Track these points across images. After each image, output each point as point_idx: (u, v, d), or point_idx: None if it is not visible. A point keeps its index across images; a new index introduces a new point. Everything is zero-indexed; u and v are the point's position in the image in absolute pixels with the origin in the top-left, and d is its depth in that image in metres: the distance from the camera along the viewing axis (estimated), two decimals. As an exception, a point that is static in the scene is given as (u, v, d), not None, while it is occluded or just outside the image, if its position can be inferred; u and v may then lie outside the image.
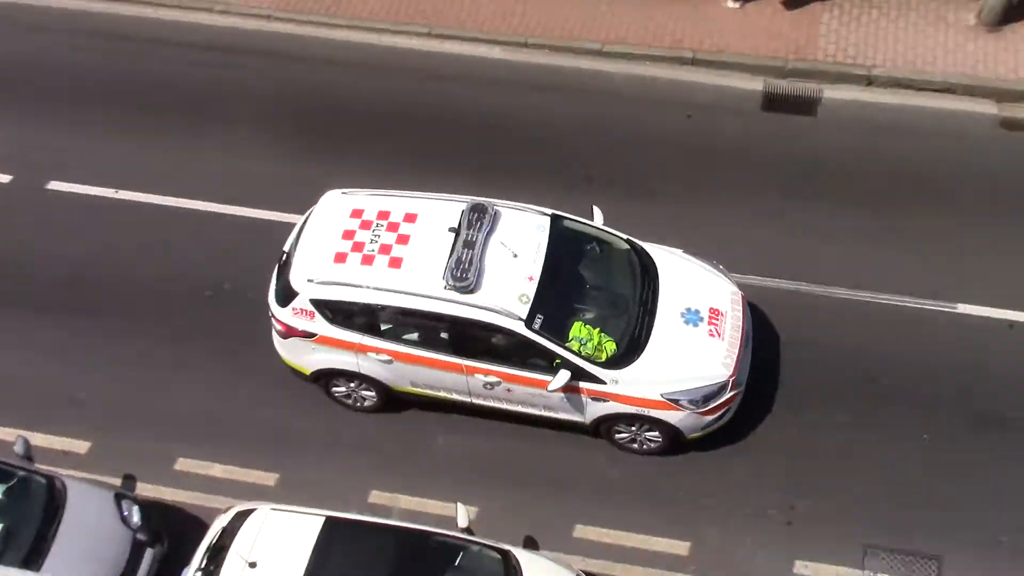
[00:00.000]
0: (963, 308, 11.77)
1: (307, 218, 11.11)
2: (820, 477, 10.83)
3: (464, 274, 10.04)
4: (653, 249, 11.10)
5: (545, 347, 10.07)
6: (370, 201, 10.93)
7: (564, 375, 10.09)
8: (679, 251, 11.25)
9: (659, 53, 14.49)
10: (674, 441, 10.71)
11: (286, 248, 11.16)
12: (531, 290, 10.12)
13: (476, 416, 11.23)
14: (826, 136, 13.58)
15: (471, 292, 10.04)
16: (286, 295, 10.69)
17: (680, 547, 10.56)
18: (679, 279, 10.85)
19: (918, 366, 11.40)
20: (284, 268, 10.88)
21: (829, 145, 13.44)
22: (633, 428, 10.67)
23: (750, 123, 13.77)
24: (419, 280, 10.21)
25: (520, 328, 10.02)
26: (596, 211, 11.27)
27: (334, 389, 11.37)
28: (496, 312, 10.02)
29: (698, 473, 10.95)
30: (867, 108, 13.80)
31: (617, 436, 10.86)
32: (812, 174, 13.13)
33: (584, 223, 11.10)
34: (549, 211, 10.85)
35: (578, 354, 10.13)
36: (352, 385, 11.22)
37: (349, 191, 11.15)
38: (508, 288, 10.13)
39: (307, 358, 11.01)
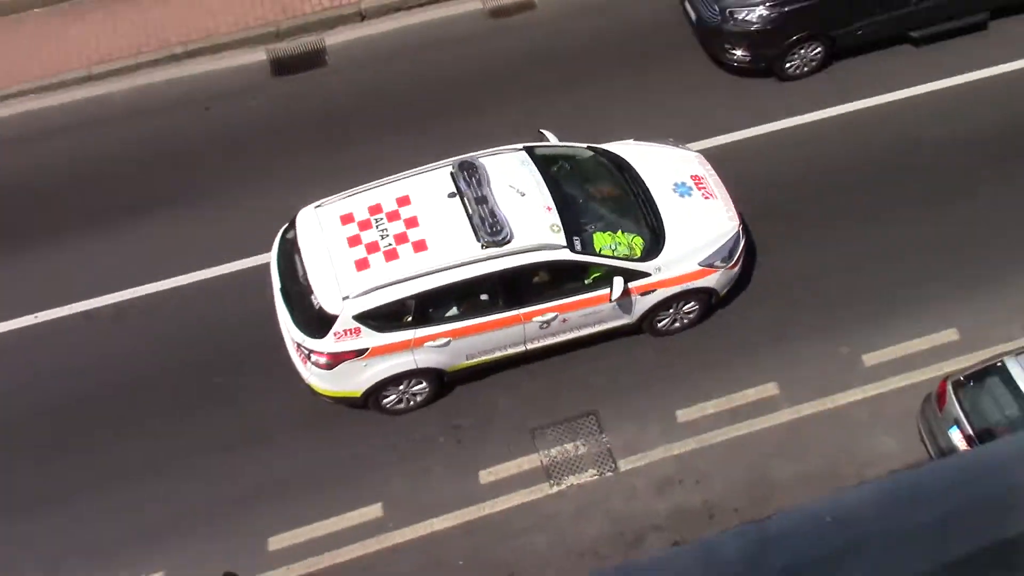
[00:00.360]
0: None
1: (290, 245, 10.31)
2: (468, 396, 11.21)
3: (497, 227, 9.87)
4: (613, 147, 11.47)
5: (593, 264, 10.23)
6: (351, 202, 10.29)
7: (620, 282, 10.26)
8: (631, 140, 11.71)
9: (150, 58, 13.95)
10: (708, 308, 11.25)
11: (277, 285, 10.30)
12: (555, 218, 10.18)
13: (509, 369, 11.08)
14: (344, 78, 13.83)
15: (508, 242, 9.87)
16: (321, 324, 9.83)
17: (374, 511, 10.54)
18: (651, 163, 11.30)
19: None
20: (300, 301, 10.02)
21: (348, 87, 13.70)
22: (671, 310, 11.03)
23: (267, 92, 13.70)
24: (454, 252, 9.86)
25: (567, 255, 10.06)
26: (548, 134, 11.36)
27: (384, 400, 10.70)
28: (541, 250, 9.98)
29: (370, 424, 10.94)
30: (372, 41, 14.20)
31: (659, 324, 11.17)
32: (342, 118, 13.33)
33: (550, 145, 11.19)
34: (518, 145, 10.92)
35: (621, 259, 10.35)
36: (403, 387, 10.61)
37: (320, 203, 10.38)
38: (537, 224, 10.09)
39: (358, 379, 10.24)
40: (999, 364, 9.94)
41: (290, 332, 10.20)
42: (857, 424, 10.96)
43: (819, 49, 13.33)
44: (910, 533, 2.49)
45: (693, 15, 13.60)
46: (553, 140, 11.34)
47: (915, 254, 11.96)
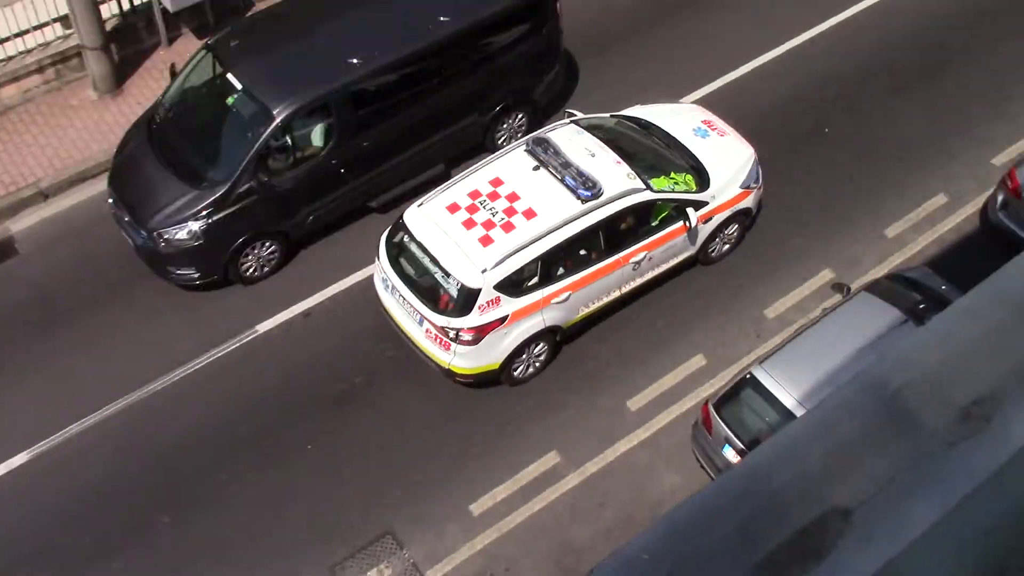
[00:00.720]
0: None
1: (404, 245, 11.31)
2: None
3: (589, 183, 11.28)
4: (631, 111, 13.04)
5: (670, 200, 11.74)
6: (450, 194, 11.35)
7: (692, 212, 11.81)
8: (638, 106, 13.23)
9: None
10: (744, 229, 12.83)
11: (400, 286, 11.17)
12: (628, 168, 11.68)
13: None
14: (44, 260, 13.02)
15: (601, 194, 11.23)
16: (465, 302, 10.76)
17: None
18: (666, 118, 12.96)
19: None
20: (436, 290, 10.97)
21: (49, 269, 12.89)
22: (718, 237, 12.47)
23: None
24: (559, 212, 11.10)
25: (649, 196, 11.55)
26: (574, 111, 12.68)
27: (515, 367, 11.55)
28: (627, 195, 11.39)
29: None
30: (63, 217, 13.48)
31: (712, 252, 12.57)
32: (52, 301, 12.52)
33: (587, 116, 12.59)
34: (564, 120, 12.41)
35: (684, 194, 11.84)
36: (527, 354, 11.51)
37: (420, 201, 11.43)
38: (616, 176, 11.55)
39: (500, 347, 11.16)
40: (748, 376, 10.61)
41: (429, 321, 10.98)
42: (640, 468, 11.32)
43: (273, 246, 12.36)
44: (717, 547, 2.57)
45: (130, 241, 12.37)
46: (580, 115, 12.65)
47: (642, 306, 12.65)
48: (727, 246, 12.78)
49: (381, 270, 11.50)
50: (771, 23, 15.60)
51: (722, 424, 10.53)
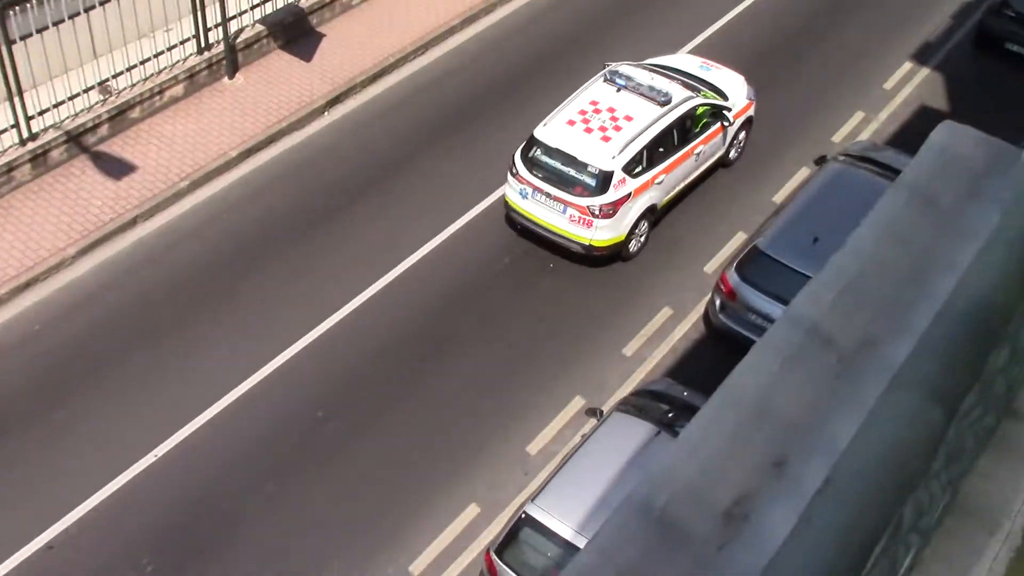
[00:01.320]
0: None
1: (538, 155, 14.40)
2: None
3: (663, 94, 14.99)
4: (649, 61, 16.40)
5: (714, 104, 15.65)
6: (565, 115, 14.68)
7: (728, 113, 15.70)
8: (651, 59, 16.63)
9: None
10: (747, 135, 16.71)
11: (542, 185, 14.23)
12: (680, 83, 15.55)
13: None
14: None
15: (671, 101, 14.90)
16: (603, 184, 14.04)
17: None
18: (676, 62, 16.73)
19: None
20: (575, 180, 14.17)
21: None
22: (734, 143, 16.35)
23: None
24: (649, 115, 14.65)
25: (702, 100, 15.43)
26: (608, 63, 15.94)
27: (632, 241, 14.76)
28: (687, 101, 15.19)
29: None
30: None
31: (731, 155, 16.44)
32: None
33: (631, 63, 16.02)
34: (604, 70, 15.57)
35: (718, 100, 15.87)
36: (639, 229, 14.82)
37: (544, 123, 14.63)
38: (675, 89, 15.25)
39: (626, 220, 14.37)
40: (523, 515, 10.70)
41: (574, 206, 14.14)
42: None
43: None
44: None
45: None
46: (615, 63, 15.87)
47: (405, 466, 12.59)
48: (739, 152, 16.48)
49: (519, 181, 14.54)
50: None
51: (507, 569, 10.50)
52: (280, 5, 17.81)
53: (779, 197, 16.01)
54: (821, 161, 15.40)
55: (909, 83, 18.51)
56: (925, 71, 18.79)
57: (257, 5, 17.59)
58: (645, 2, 19.85)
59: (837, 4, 20.18)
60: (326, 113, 16.98)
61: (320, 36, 18.15)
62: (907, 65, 18.90)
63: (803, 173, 16.37)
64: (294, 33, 17.94)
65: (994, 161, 3.66)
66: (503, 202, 14.97)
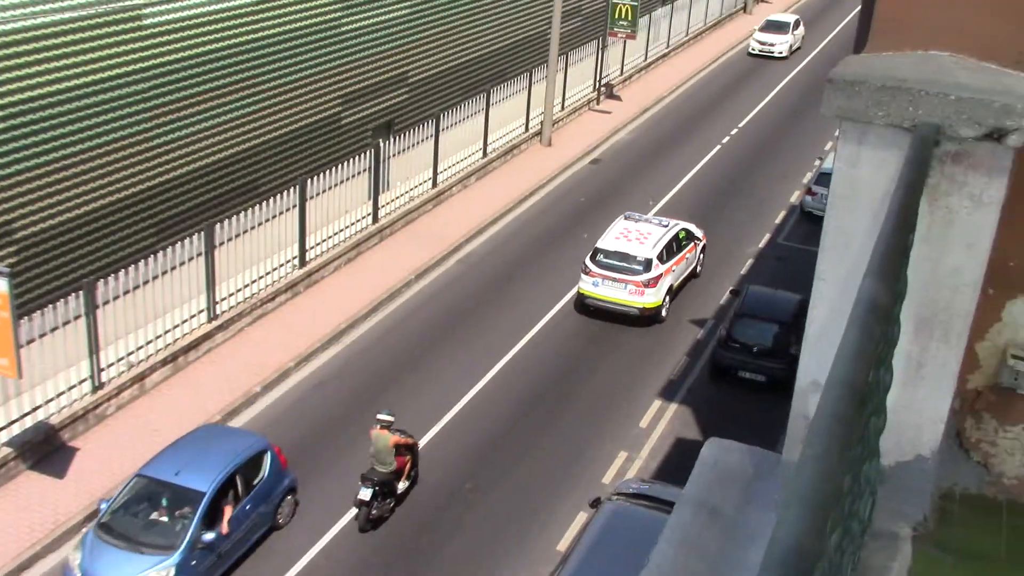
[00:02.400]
0: None
1: (605, 255, 23.12)
2: None
3: (665, 222, 24.41)
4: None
5: (690, 232, 24.96)
6: (612, 236, 23.58)
7: (697, 236, 25.25)
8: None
9: None
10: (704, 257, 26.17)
11: (611, 275, 22.73)
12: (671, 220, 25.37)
13: None
14: None
15: (669, 226, 24.28)
16: (647, 266, 22.61)
17: None
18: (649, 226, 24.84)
19: None
20: (628, 267, 22.63)
21: None
22: (697, 260, 25.27)
23: None
24: (659, 232, 23.71)
25: (685, 225, 25.03)
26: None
27: (664, 309, 23.37)
28: (677, 226, 24.61)
29: None
30: None
31: (698, 269, 25.59)
32: None
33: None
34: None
35: (691, 232, 25.21)
36: (667, 299, 23.77)
37: (603, 237, 23.87)
38: (670, 223, 24.77)
39: (661, 290, 22.99)
40: None
41: (632, 283, 22.43)
42: None
43: None
44: None
45: None
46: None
47: None
48: (700, 268, 25.18)
49: (591, 275, 22.72)
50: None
51: None
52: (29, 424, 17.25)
53: (563, 544, 16.26)
54: (596, 503, 15.91)
55: (662, 419, 19.85)
56: (674, 406, 20.27)
57: (3, 427, 16.94)
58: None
59: (579, 361, 21.80)
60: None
61: (73, 450, 17.56)
62: (657, 402, 20.35)
63: (581, 518, 16.80)
64: (45, 450, 17.29)
65: (759, 467, 4.06)
66: (578, 295, 23.30)
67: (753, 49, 45.95)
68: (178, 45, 22.89)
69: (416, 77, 31.86)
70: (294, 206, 22.68)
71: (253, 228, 21.59)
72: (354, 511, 16.54)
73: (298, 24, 26.44)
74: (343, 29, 28.19)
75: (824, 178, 28.59)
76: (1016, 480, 4.14)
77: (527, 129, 32.96)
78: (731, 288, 24.16)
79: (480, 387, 20.43)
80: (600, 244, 23.21)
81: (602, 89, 37.99)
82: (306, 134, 27.40)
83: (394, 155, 26.67)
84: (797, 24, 47.19)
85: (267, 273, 22.21)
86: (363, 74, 29.25)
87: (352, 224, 24.91)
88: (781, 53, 45.44)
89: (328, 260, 23.85)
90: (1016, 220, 3.66)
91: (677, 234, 23.77)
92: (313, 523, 16.63)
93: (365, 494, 15.99)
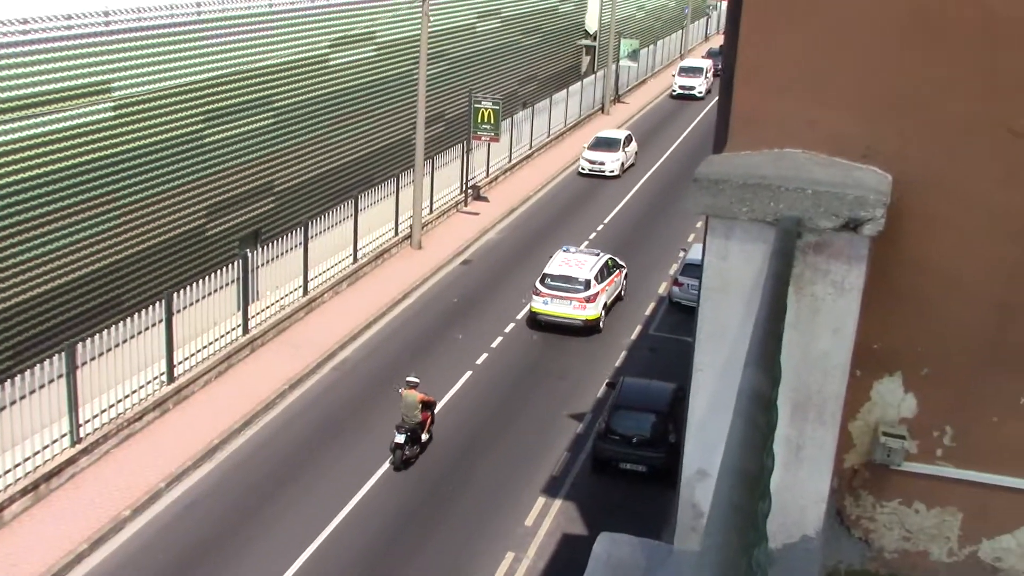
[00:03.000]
0: None
1: (551, 278, 27.81)
2: None
3: (594, 251, 30.03)
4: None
5: (616, 262, 30.51)
6: (556, 262, 28.64)
7: (622, 265, 31.40)
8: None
9: None
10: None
11: (550, 295, 27.50)
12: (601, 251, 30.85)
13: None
14: None
15: (600, 255, 29.49)
16: (588, 285, 27.53)
17: None
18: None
19: None
20: (572, 287, 27.43)
21: None
22: (622, 286, 30.78)
23: None
24: (592, 259, 28.89)
25: (610, 256, 30.56)
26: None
27: (601, 322, 27.95)
28: (605, 256, 29.74)
29: None
30: None
31: (623, 294, 30.97)
32: None
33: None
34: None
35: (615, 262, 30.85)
36: (602, 317, 28.82)
37: (546, 269, 28.38)
38: (601, 254, 30.15)
39: (600, 305, 27.72)
40: None
41: (576, 299, 27.05)
42: None
43: None
44: None
45: None
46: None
47: None
48: (624, 293, 30.04)
49: (540, 295, 27.30)
50: None
51: None
52: None
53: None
54: None
55: (547, 516, 19.78)
56: (558, 501, 20.24)
57: None
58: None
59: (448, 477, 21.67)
60: None
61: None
62: (541, 499, 20.29)
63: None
64: None
65: (651, 559, 4.11)
66: (530, 313, 27.95)
67: (583, 169, 42.93)
68: (34, 162, 22.37)
69: (283, 185, 31.80)
70: (160, 321, 22.11)
71: (118, 345, 20.93)
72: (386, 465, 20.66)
73: (159, 137, 26.18)
74: (206, 141, 28.04)
75: (689, 269, 29.50)
76: (897, 554, 4.29)
77: (397, 233, 33.12)
78: (607, 380, 24.48)
79: (362, 494, 20.05)
80: (547, 270, 28.16)
81: (469, 191, 38.58)
82: (171, 247, 26.92)
83: (263, 264, 26.37)
84: (629, 140, 44.80)
85: (133, 391, 21.49)
86: (228, 184, 29.07)
87: (222, 336, 24.40)
88: (612, 172, 42.56)
89: (198, 375, 23.24)
90: (876, 304, 3.88)
91: (607, 262, 29.02)
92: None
93: (399, 439, 20.64)
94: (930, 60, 3.74)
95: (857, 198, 3.60)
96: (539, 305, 27.35)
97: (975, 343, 3.92)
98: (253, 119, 29.83)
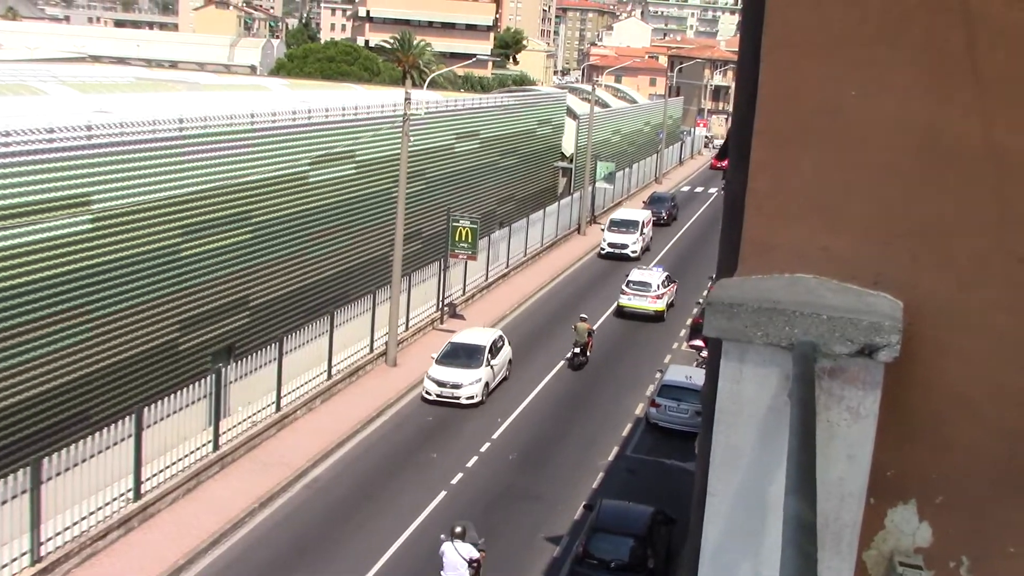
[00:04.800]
0: None
1: (634, 278, 41.88)
2: None
3: (659, 268, 45.46)
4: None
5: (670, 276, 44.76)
6: (633, 276, 42.89)
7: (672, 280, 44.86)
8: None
9: None
10: None
11: (633, 290, 41.29)
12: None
13: None
14: None
15: (662, 268, 46.65)
16: (657, 287, 41.03)
17: None
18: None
19: None
20: (648, 289, 40.99)
21: None
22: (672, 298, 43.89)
23: None
24: (657, 275, 42.85)
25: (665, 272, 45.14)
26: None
27: (665, 313, 41.67)
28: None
29: None
30: None
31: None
32: None
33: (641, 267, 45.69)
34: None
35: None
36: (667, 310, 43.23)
37: (628, 275, 43.07)
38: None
39: (665, 302, 41.76)
40: None
41: (649, 296, 40.96)
42: None
43: None
44: None
45: None
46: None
47: None
48: (673, 300, 42.36)
49: (626, 294, 40.83)
50: None
51: None
52: None
53: None
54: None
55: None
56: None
57: None
58: None
59: None
60: None
61: None
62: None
63: None
64: None
65: None
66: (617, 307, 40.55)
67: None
68: (5, 273, 22.29)
69: (258, 300, 31.77)
70: (129, 436, 21.74)
71: (84, 460, 20.51)
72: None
73: (136, 250, 26.21)
74: (182, 254, 28.08)
75: (666, 390, 29.52)
76: None
77: (372, 350, 33.01)
78: (584, 503, 24.17)
79: (331, 622, 19.48)
80: (630, 277, 41.65)
81: (445, 308, 38.68)
82: (143, 361, 26.68)
83: (235, 380, 26.14)
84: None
85: (98, 508, 20.98)
86: (202, 298, 29.01)
87: (191, 452, 23.99)
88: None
89: (165, 491, 22.76)
90: (888, 430, 3.88)
91: (668, 275, 42.44)
92: None
93: (577, 350, 34.09)
94: (942, 189, 3.83)
95: (872, 324, 3.64)
96: (625, 301, 40.78)
97: (989, 470, 3.91)
98: (231, 234, 29.96)
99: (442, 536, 19.22)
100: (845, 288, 3.93)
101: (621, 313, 40.62)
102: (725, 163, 66.03)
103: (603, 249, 51.95)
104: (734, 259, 4.24)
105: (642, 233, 52.67)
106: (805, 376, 3.38)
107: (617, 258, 51.04)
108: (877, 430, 3.77)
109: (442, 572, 19.08)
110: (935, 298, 3.93)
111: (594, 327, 35.70)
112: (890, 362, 3.68)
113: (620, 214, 54.80)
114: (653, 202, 64.07)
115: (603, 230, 53.48)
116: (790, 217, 3.99)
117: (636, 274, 41.87)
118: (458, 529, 19.06)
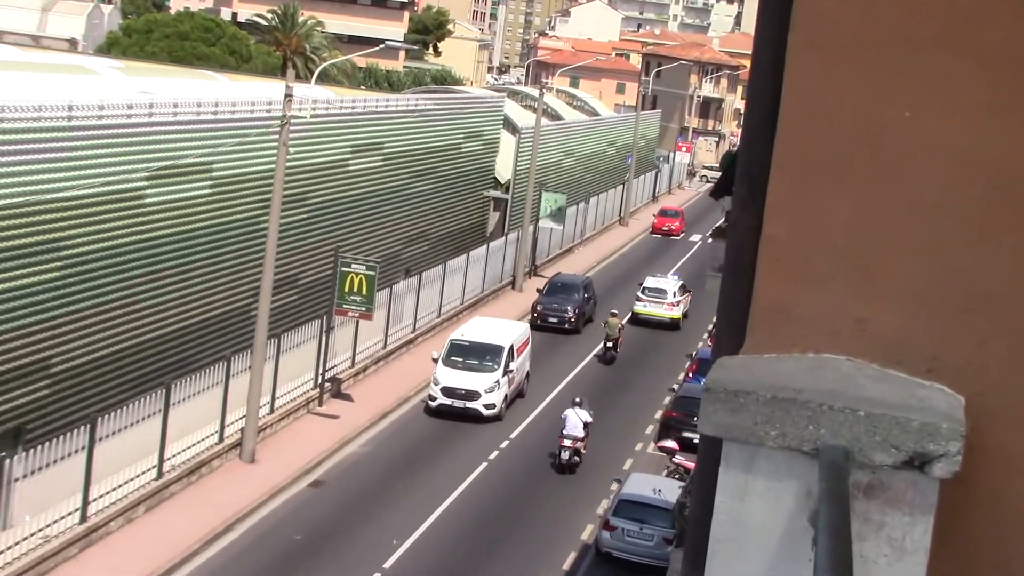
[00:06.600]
0: None
1: (649, 284, 58.30)
2: None
3: (674, 277, 64.50)
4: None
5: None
6: (647, 283, 60.24)
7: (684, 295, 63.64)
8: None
9: None
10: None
11: (648, 299, 56.95)
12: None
13: None
14: None
15: (679, 276, 66.43)
16: (673, 295, 57.54)
17: None
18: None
19: None
20: (664, 296, 57.48)
21: None
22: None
23: None
24: (672, 283, 60.11)
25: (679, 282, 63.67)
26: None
27: (681, 320, 59.76)
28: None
29: None
30: None
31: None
32: None
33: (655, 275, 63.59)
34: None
35: None
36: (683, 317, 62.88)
37: (642, 283, 59.49)
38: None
39: (680, 310, 58.52)
40: None
41: (666, 303, 56.97)
42: None
43: None
44: None
45: None
46: None
47: None
48: (687, 308, 58.77)
49: (641, 300, 56.61)
50: None
51: None
52: None
53: None
54: None
55: None
56: None
57: None
58: None
59: None
60: None
61: None
62: None
63: None
64: None
65: None
66: (633, 314, 55.56)
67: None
68: None
69: (62, 365, 31.24)
70: None
71: None
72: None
73: None
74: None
75: (625, 507, 29.55)
76: None
77: (222, 439, 32.70)
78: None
79: None
80: (645, 284, 56.35)
81: (326, 385, 38.49)
82: None
83: (24, 476, 25.60)
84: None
85: None
86: (-14, 359, 28.47)
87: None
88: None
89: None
90: (943, 570, 3.92)
91: (683, 284, 57.26)
92: None
93: (608, 343, 48.68)
94: (1019, 249, 3.91)
95: (924, 426, 3.67)
96: (640, 307, 55.41)
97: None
98: (28, 271, 29.50)
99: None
100: (889, 376, 3.98)
101: (636, 320, 54.92)
102: (678, 225, 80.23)
103: (432, 398, 39.75)
104: (740, 330, 4.28)
105: (506, 370, 40.44)
106: (835, 493, 3.40)
107: (456, 416, 39.22)
108: (928, 570, 3.80)
109: (563, 430, 34.99)
110: (1008, 392, 3.99)
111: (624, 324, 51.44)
112: (948, 478, 3.72)
113: (472, 332, 42.67)
114: (551, 291, 54.08)
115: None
116: (817, 276, 4.04)
117: (651, 281, 57.34)
118: (578, 399, 36.17)
